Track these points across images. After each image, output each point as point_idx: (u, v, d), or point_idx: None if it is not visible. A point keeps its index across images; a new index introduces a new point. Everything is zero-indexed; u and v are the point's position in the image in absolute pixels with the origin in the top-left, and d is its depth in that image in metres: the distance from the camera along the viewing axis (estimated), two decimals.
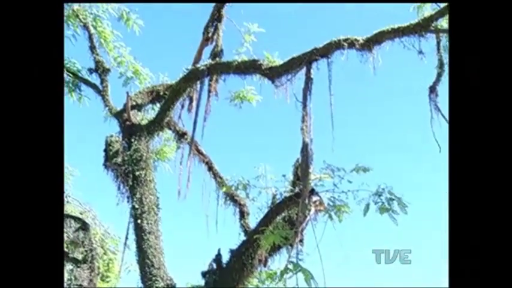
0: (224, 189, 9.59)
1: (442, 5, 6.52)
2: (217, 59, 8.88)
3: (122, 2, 10.08)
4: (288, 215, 8.07)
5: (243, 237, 8.89)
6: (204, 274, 8.49)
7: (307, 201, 6.98)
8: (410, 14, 7.38)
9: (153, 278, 8.17)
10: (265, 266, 8.39)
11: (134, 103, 9.51)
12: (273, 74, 7.79)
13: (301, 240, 7.50)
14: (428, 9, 7.11)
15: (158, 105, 9.79)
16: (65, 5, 9.95)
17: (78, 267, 11.53)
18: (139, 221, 8.50)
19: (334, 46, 7.17)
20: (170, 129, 10.05)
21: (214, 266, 8.41)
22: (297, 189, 7.80)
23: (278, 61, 7.96)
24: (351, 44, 7.09)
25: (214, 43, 9.11)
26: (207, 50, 9.21)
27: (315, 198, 7.38)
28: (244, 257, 8.08)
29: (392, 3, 7.62)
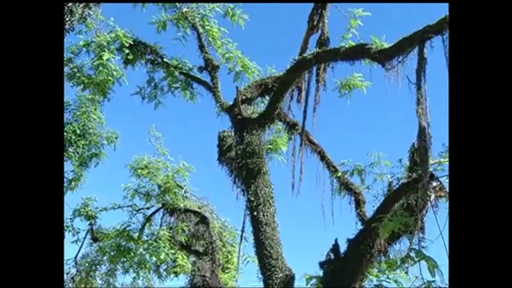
0: (338, 176, 9.45)
1: None
2: (324, 47, 8.74)
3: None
4: (406, 201, 7.78)
5: (359, 226, 8.72)
6: (322, 264, 8.44)
7: (426, 187, 6.67)
8: None
9: (272, 269, 8.25)
10: (384, 255, 8.16)
11: (244, 97, 9.67)
12: (383, 56, 7.49)
13: (422, 228, 7.21)
14: None
15: (267, 98, 9.86)
16: (174, 8, 10.38)
17: (200, 259, 12.03)
18: (255, 213, 8.63)
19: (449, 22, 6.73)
20: (281, 120, 10.10)
21: (332, 256, 8.32)
22: (414, 175, 7.48)
23: (387, 44, 7.66)
24: None
25: (319, 31, 8.98)
26: (313, 39, 9.11)
27: (434, 183, 7.07)
28: (362, 247, 7.90)
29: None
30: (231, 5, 10.28)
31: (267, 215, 8.61)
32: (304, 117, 9.12)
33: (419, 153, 6.74)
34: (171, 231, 12.60)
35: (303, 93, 9.21)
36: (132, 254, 13.08)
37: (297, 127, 9.96)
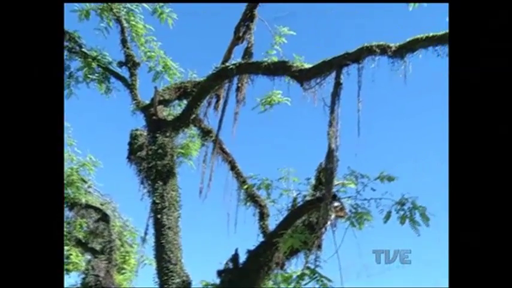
0: (246, 187, 9.56)
1: None
2: (247, 59, 8.85)
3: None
4: (308, 219, 8.01)
5: (261, 239, 8.85)
6: (219, 273, 8.47)
7: (328, 206, 6.91)
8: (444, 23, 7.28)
9: (169, 274, 8.18)
10: (282, 268, 8.35)
11: (161, 98, 9.55)
12: (303, 76, 7.72)
13: (319, 246, 7.44)
14: None
15: (185, 101, 9.80)
16: None
17: (96, 257, 11.65)
18: (159, 216, 8.52)
19: (366, 52, 7.06)
20: (195, 126, 10.06)
21: (231, 265, 8.39)
22: (318, 194, 7.73)
23: (307, 65, 7.88)
24: (383, 50, 6.98)
25: (245, 43, 9.09)
26: (238, 50, 9.21)
27: (336, 203, 7.33)
28: (261, 259, 8.05)
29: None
30: (160, 3, 10.15)
31: (170, 219, 8.53)
32: (219, 126, 9.18)
33: (325, 174, 7.00)
34: (69, 226, 12.12)
35: (221, 102, 9.27)
36: None
37: (211, 134, 9.97)
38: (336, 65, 7.29)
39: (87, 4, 9.97)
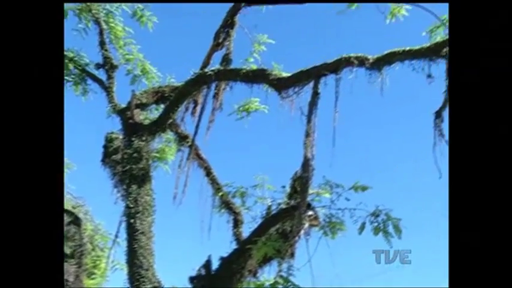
0: (221, 195, 9.54)
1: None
2: (226, 65, 8.86)
3: (128, 2, 10.08)
4: (282, 227, 8.03)
5: (235, 246, 8.83)
6: (192, 279, 8.42)
7: (303, 215, 6.94)
8: (420, 37, 7.44)
9: (141, 279, 8.08)
10: (254, 276, 8.34)
11: (139, 102, 9.47)
12: (281, 85, 7.77)
13: (292, 254, 7.46)
14: (441, 34, 7.15)
15: (162, 106, 9.75)
16: None
17: (66, 261, 11.43)
18: (132, 221, 8.42)
19: (344, 63, 7.15)
20: (172, 131, 10.01)
21: (203, 272, 8.34)
22: (293, 202, 7.76)
23: (285, 73, 7.94)
24: (361, 62, 7.07)
25: (224, 49, 9.10)
26: (217, 56, 9.21)
27: (310, 212, 7.36)
28: (234, 266, 8.03)
29: (390, 3, 7.53)
30: (140, 5, 10.10)
31: (144, 224, 8.44)
32: (196, 132, 9.16)
33: (301, 183, 7.03)
34: None
35: (198, 107, 9.25)
36: None
37: (187, 139, 9.92)
38: (314, 74, 7.36)
39: (65, 4, 9.84)
